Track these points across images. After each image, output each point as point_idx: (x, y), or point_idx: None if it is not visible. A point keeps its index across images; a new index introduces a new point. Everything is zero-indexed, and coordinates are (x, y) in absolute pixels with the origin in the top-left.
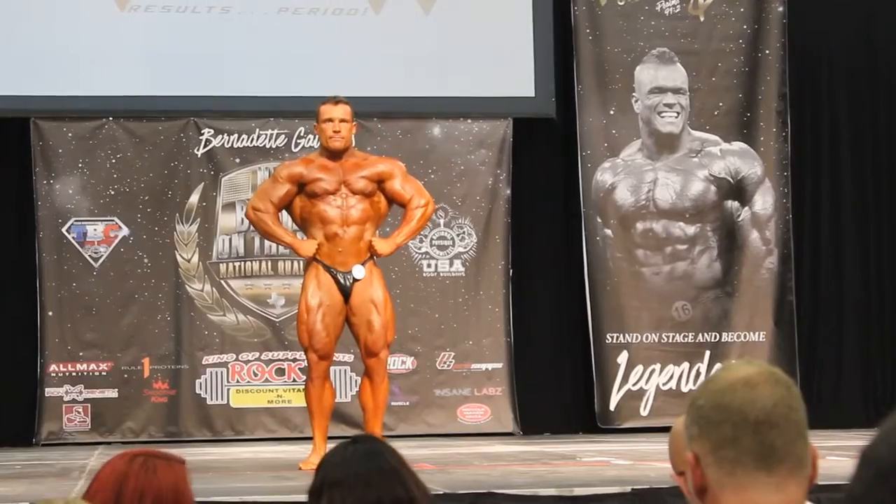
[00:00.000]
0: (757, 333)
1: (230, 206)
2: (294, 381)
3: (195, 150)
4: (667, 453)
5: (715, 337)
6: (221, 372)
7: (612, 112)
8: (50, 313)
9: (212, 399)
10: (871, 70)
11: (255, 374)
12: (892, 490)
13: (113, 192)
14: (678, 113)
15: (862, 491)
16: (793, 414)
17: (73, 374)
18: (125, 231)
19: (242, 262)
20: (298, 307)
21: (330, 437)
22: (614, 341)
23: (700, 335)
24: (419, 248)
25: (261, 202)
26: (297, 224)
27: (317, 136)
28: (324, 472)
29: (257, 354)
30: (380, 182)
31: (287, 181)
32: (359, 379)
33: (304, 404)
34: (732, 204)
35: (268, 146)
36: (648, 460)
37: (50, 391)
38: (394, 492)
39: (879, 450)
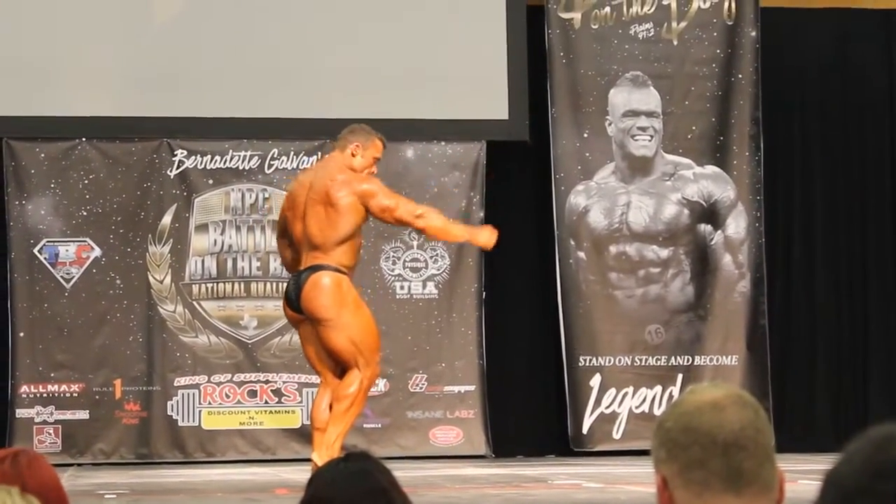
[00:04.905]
0: (729, 357)
1: (203, 228)
2: (266, 402)
3: (168, 172)
4: (638, 477)
5: (688, 360)
6: (193, 393)
7: (585, 135)
8: (21, 334)
9: (183, 421)
10: (843, 95)
11: (227, 396)
12: None
13: (85, 213)
14: (651, 136)
15: None
16: (760, 437)
17: (45, 395)
18: (97, 252)
19: (215, 284)
20: (363, 321)
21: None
22: (587, 364)
23: (673, 358)
24: (392, 270)
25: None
26: (338, 236)
27: (355, 154)
28: (313, 490)
29: (229, 376)
30: None
31: None
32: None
33: (279, 426)
34: (705, 227)
35: (241, 167)
36: (620, 483)
37: (21, 412)
38: None
39: (843, 472)
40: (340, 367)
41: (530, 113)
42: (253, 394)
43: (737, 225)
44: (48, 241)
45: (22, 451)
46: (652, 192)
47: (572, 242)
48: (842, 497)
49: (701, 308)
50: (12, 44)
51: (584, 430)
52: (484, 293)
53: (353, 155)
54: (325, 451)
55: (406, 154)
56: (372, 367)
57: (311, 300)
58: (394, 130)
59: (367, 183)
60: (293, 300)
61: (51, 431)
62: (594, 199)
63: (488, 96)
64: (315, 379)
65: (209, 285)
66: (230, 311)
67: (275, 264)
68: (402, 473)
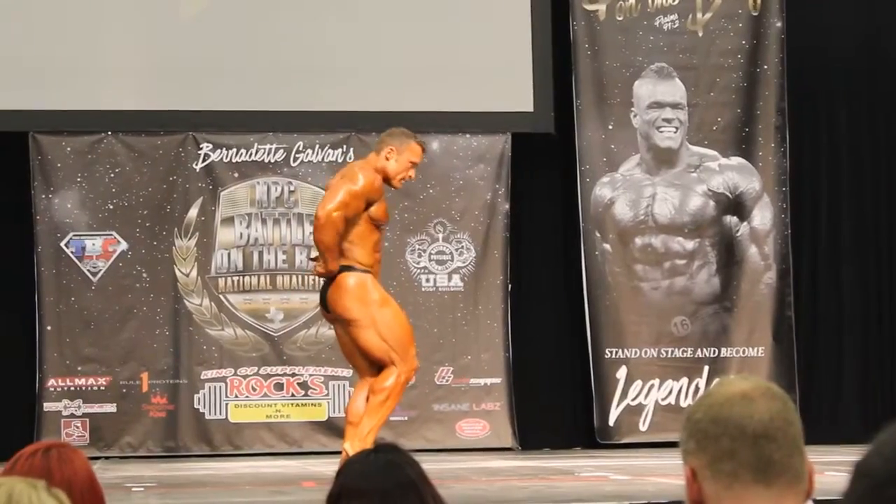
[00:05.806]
0: (756, 349)
1: (229, 221)
2: (293, 395)
3: (194, 165)
4: (666, 469)
5: (714, 352)
6: (220, 387)
7: (610, 127)
8: (49, 328)
9: (210, 414)
10: (869, 85)
11: (254, 389)
12: (887, 501)
13: (111, 207)
14: (677, 128)
15: (856, 503)
16: (790, 428)
17: (72, 388)
18: (124, 245)
19: (241, 277)
20: (390, 317)
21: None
22: (613, 356)
23: (699, 350)
24: (417, 263)
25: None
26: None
27: (389, 158)
28: (343, 480)
29: (256, 369)
30: None
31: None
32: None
33: (306, 419)
34: (731, 219)
35: (266, 160)
36: (647, 475)
37: (48, 406)
38: None
39: (872, 462)
40: (376, 366)
41: (555, 105)
42: (279, 387)
43: (763, 216)
44: (75, 235)
45: (55, 444)
46: (677, 183)
47: (598, 234)
48: (872, 487)
49: (727, 300)
50: (38, 38)
51: (611, 422)
52: (510, 285)
53: (387, 159)
54: (357, 443)
55: (431, 146)
56: (408, 361)
57: (335, 302)
58: (419, 123)
59: (361, 172)
60: (325, 302)
61: (78, 425)
62: (619, 191)
63: (513, 88)
64: (341, 371)
65: (235, 278)
66: (256, 304)
67: (301, 257)
68: (429, 466)
